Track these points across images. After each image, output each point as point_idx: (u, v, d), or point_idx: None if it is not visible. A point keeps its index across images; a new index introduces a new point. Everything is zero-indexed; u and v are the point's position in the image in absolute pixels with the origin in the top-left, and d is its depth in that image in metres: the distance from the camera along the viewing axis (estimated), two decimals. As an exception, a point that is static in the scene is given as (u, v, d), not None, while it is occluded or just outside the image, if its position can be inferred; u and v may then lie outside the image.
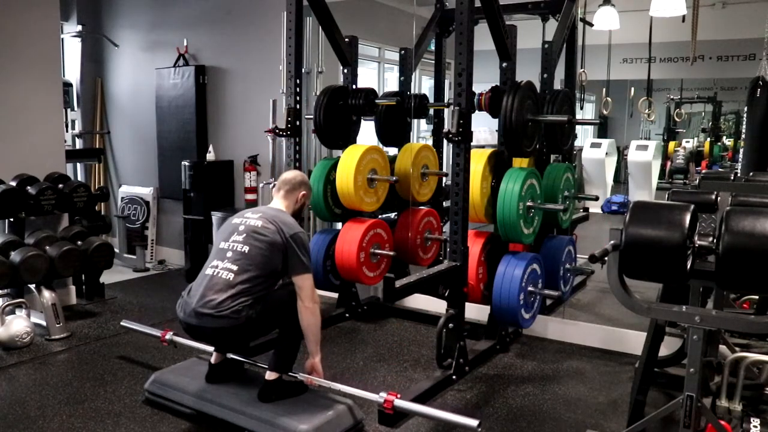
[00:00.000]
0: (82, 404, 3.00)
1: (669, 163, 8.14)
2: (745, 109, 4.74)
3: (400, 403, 2.63)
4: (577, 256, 4.19)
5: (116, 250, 5.52)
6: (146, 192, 6.12)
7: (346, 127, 4.14)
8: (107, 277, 4.85)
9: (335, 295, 4.39)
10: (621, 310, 2.29)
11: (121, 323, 3.82)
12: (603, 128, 8.19)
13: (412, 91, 4.46)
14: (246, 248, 2.74)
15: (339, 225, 4.32)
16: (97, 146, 6.50)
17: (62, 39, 5.79)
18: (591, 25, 5.74)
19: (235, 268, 2.71)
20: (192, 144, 5.73)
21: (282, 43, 4.03)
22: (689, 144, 8.24)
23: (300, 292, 2.76)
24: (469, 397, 3.16)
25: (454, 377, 3.28)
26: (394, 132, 4.37)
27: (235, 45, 5.50)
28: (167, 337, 3.38)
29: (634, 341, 3.56)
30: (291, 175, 3.11)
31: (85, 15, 6.31)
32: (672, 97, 8.31)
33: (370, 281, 4.00)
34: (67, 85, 6.15)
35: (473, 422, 2.47)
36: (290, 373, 2.86)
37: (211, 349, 3.05)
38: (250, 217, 2.86)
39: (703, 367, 2.10)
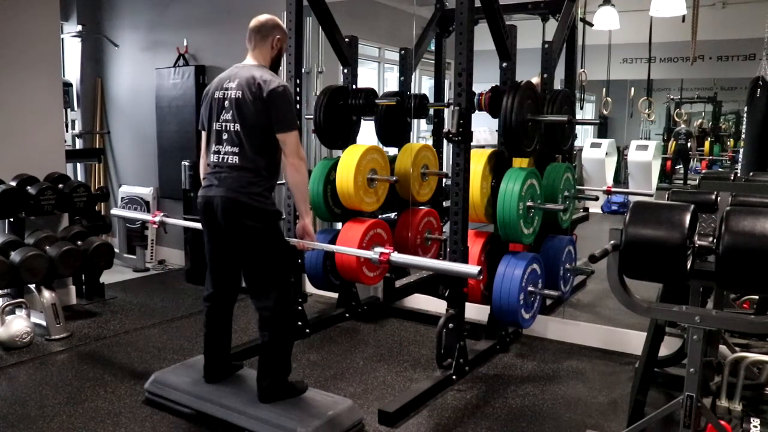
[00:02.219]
0: (82, 404, 3.00)
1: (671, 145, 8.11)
2: (745, 109, 4.74)
3: (396, 256, 2.64)
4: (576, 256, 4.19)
5: (116, 250, 5.51)
6: (146, 192, 6.12)
7: (346, 127, 4.14)
8: (107, 277, 4.85)
9: (335, 295, 4.39)
10: (621, 310, 2.29)
11: (111, 212, 3.81)
12: (603, 128, 8.18)
13: (412, 91, 4.46)
14: (237, 126, 2.69)
15: (339, 225, 4.32)
16: (97, 146, 6.50)
17: (62, 39, 5.79)
18: (591, 25, 5.74)
19: (237, 149, 2.68)
20: (192, 144, 5.71)
21: (282, 43, 4.04)
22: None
23: (284, 149, 2.69)
24: (469, 397, 3.16)
25: (454, 377, 3.28)
26: (394, 132, 4.37)
27: (235, 45, 5.43)
28: (157, 218, 3.37)
29: (634, 341, 3.56)
30: (259, 21, 2.85)
31: (85, 15, 6.31)
32: (672, 97, 8.32)
33: (370, 281, 4.00)
34: (67, 85, 6.15)
35: (474, 269, 2.51)
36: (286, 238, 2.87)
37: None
38: (230, 87, 2.72)
39: (703, 367, 2.09)
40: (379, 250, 2.65)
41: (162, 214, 3.40)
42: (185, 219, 5.41)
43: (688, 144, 8.01)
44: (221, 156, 2.73)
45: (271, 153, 2.73)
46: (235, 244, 2.76)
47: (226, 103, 2.73)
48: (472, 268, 2.56)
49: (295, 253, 3.80)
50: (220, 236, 2.81)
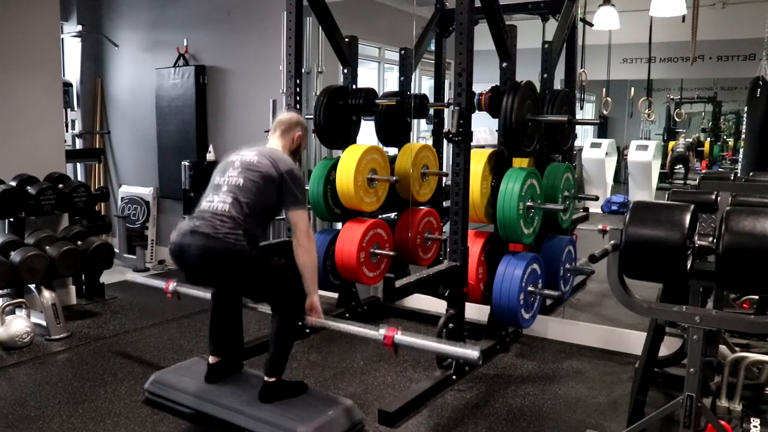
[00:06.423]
0: (82, 404, 3.00)
1: (669, 155, 8.19)
2: (745, 109, 4.75)
3: (400, 337, 2.61)
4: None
5: (116, 250, 5.52)
6: (146, 192, 6.12)
7: (346, 127, 4.14)
8: (107, 277, 4.85)
9: (335, 295, 4.39)
10: (621, 310, 2.29)
11: (126, 277, 3.85)
12: (603, 128, 8.20)
13: (412, 91, 4.46)
14: (240, 181, 2.71)
15: (339, 225, 4.32)
16: (97, 146, 6.50)
17: (62, 39, 5.79)
18: (591, 25, 5.74)
19: (229, 200, 2.68)
20: (192, 144, 5.72)
21: (282, 43, 4.04)
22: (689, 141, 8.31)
23: (294, 230, 2.75)
24: (469, 397, 3.16)
25: (454, 377, 3.28)
26: (394, 132, 4.37)
27: (235, 45, 5.50)
28: (170, 287, 3.34)
29: (634, 341, 3.56)
30: (287, 116, 3.05)
31: (85, 15, 6.31)
32: (672, 97, 8.34)
33: (370, 281, 4.00)
34: (67, 85, 6.15)
35: (474, 353, 2.49)
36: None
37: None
38: (246, 153, 2.81)
39: (703, 367, 2.10)
40: (383, 332, 2.64)
41: (175, 283, 3.34)
42: (185, 219, 5.47)
43: (688, 154, 8.10)
44: (213, 204, 2.71)
45: (261, 217, 2.74)
46: (221, 285, 2.84)
47: (237, 163, 2.78)
48: (472, 353, 2.51)
49: None
50: (202, 278, 2.84)
